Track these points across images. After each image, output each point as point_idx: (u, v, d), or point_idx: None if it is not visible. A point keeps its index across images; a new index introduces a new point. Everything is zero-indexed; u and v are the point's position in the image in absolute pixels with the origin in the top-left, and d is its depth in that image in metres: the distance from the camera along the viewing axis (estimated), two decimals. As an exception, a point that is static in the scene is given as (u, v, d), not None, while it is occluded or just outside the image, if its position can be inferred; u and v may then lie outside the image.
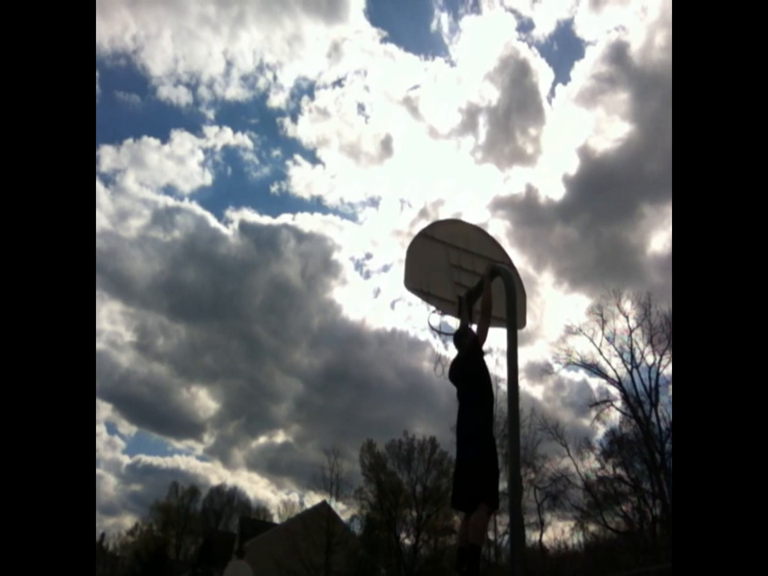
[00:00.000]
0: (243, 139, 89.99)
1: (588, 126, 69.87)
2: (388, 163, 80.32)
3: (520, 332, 4.77)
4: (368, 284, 79.37)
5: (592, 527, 29.77)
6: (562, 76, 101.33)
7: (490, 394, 4.60)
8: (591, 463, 29.19)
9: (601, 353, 28.50)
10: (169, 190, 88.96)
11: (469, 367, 4.70)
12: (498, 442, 4.83)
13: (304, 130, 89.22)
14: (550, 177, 70.58)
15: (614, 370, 28.26)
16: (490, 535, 28.19)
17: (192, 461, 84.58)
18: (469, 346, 4.78)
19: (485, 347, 4.79)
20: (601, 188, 55.75)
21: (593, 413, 29.04)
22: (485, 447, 4.30)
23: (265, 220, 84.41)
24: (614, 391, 28.90)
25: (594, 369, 28.98)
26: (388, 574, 33.34)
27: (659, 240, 55.12)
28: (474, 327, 5.02)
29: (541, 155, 67.26)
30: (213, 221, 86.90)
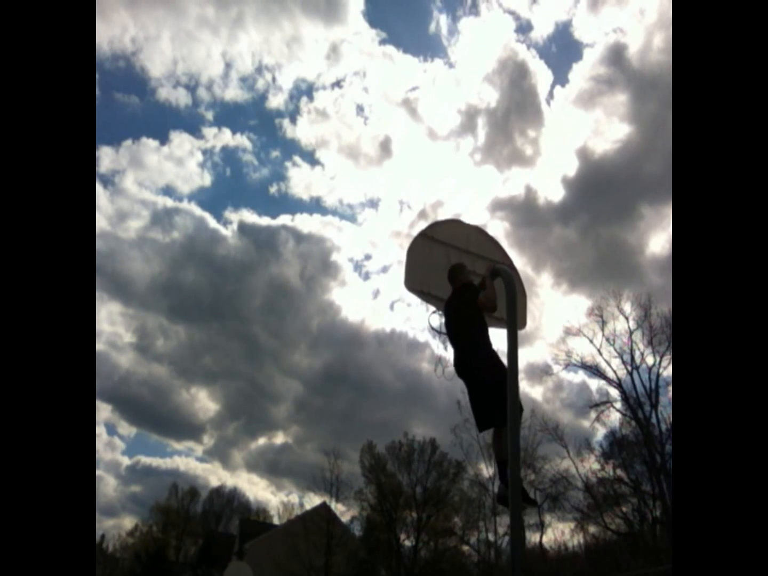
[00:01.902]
0: (242, 140, 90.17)
1: (587, 127, 70.11)
2: (387, 165, 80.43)
3: (520, 333, 4.76)
4: (367, 285, 79.48)
5: (592, 529, 29.82)
6: (560, 77, 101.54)
7: (480, 317, 4.60)
8: (591, 465, 29.21)
9: (600, 354, 28.57)
10: (168, 191, 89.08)
11: (457, 304, 4.71)
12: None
13: (303, 131, 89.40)
14: (549, 178, 70.84)
15: (614, 372, 28.33)
16: (490, 537, 28.20)
17: (192, 462, 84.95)
18: (460, 288, 4.80)
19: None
20: (599, 189, 55.93)
21: (593, 415, 29.08)
22: (491, 365, 4.37)
23: (264, 221, 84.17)
24: (614, 392, 28.94)
25: (594, 370, 29.03)
26: (388, 576, 33.31)
27: (658, 241, 55.30)
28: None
29: (540, 157, 67.37)
30: (212, 222, 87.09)
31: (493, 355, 4.52)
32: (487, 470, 32.12)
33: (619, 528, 28.01)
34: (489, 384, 4.31)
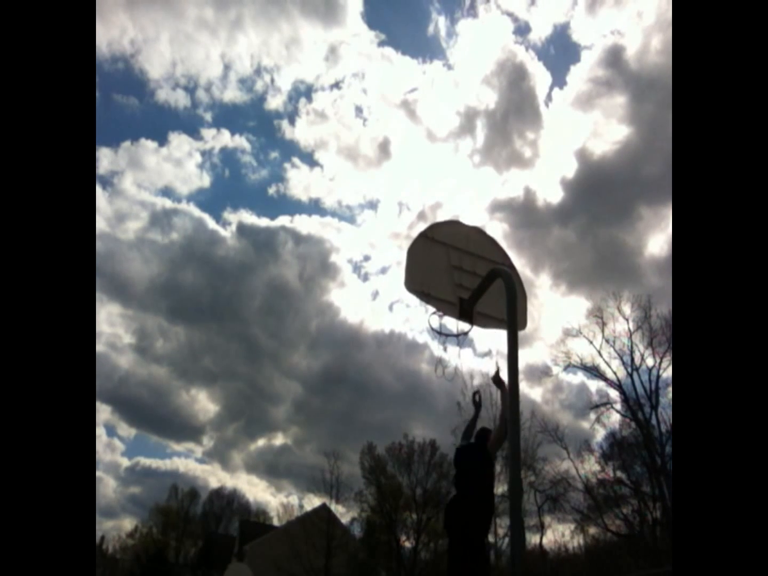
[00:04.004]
0: (241, 142, 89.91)
1: (585, 129, 69.90)
2: (386, 166, 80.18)
3: (519, 334, 4.76)
4: (366, 286, 79.35)
5: (592, 530, 29.74)
6: (559, 79, 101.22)
7: (490, 500, 4.58)
8: (591, 466, 29.18)
9: (600, 355, 28.48)
10: (167, 192, 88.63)
11: (471, 460, 4.71)
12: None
13: (301, 132, 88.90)
14: (547, 180, 70.44)
15: (614, 373, 28.26)
16: (491, 538, 28.16)
17: (191, 464, 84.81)
18: (479, 440, 4.81)
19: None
20: (598, 191, 55.82)
21: (593, 416, 29.06)
22: (474, 557, 4.33)
23: (263, 222, 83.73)
24: (614, 393, 28.90)
25: (593, 371, 28.97)
26: (388, 577, 33.29)
27: (656, 242, 55.24)
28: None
29: (539, 158, 67.21)
30: (211, 223, 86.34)
31: (484, 550, 4.50)
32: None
33: (620, 529, 27.96)
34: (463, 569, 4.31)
